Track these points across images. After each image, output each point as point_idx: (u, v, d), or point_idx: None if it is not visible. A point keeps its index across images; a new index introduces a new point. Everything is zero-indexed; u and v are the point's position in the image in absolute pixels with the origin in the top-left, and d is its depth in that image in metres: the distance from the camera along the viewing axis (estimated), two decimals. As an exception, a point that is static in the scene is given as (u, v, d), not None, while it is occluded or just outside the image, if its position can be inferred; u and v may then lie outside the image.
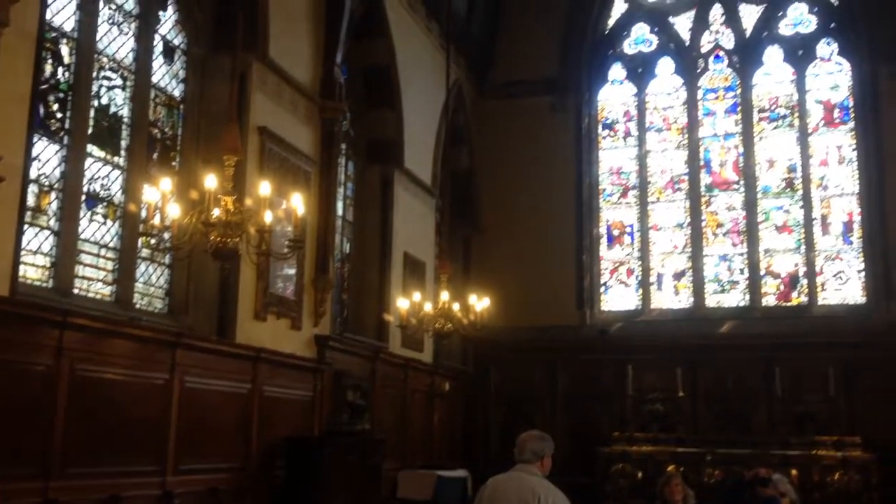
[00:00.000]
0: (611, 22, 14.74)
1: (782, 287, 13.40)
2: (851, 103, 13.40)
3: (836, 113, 13.54)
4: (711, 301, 13.68)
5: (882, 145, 12.74)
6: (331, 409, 9.38)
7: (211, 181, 5.46)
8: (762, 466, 9.28)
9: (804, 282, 13.25)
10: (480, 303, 9.56)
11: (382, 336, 10.91)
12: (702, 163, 14.04)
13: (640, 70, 14.56)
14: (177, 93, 8.06)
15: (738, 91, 14.02)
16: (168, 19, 7.97)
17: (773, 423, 12.09)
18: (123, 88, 7.38)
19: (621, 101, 14.65)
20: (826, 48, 13.67)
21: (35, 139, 6.16)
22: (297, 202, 6.02)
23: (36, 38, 5.97)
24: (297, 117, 9.16)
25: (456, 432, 13.18)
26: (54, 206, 6.54)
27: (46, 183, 6.48)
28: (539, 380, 13.46)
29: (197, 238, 5.61)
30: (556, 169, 14.15)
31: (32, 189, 6.32)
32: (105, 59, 7.18)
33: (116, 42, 7.30)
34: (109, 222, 7.13)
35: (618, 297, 14.15)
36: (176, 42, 8.08)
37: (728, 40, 14.17)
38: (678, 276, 13.91)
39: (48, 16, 6.34)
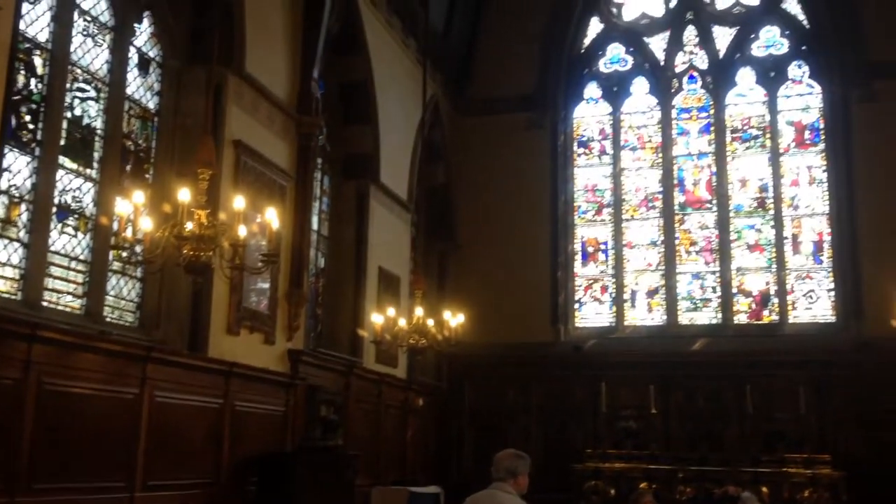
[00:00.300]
0: (587, 41, 14.89)
1: (754, 305, 13.54)
2: (822, 125, 13.62)
3: (807, 134, 13.75)
4: (684, 319, 13.79)
5: (851, 166, 12.95)
6: (304, 425, 9.31)
7: (184, 194, 5.44)
8: (732, 484, 9.34)
9: (775, 300, 13.39)
10: (455, 319, 9.58)
11: (356, 351, 10.87)
12: (675, 181, 14.18)
13: (616, 89, 14.70)
14: (151, 105, 8.02)
15: (712, 111, 14.19)
16: (143, 31, 7.93)
17: (745, 441, 12.16)
18: (97, 100, 7.33)
19: (597, 119, 14.79)
20: (797, 70, 13.90)
21: (6, 150, 6.09)
22: (272, 216, 6.00)
23: (9, 48, 5.92)
24: (273, 131, 9.14)
25: (429, 448, 13.13)
26: (24, 217, 6.47)
27: (17, 194, 6.41)
28: (513, 396, 13.45)
29: (169, 251, 5.58)
30: (532, 186, 14.23)
31: (3, 200, 6.26)
32: (79, 71, 7.13)
33: (91, 54, 7.26)
34: (80, 234, 7.06)
35: (592, 314, 14.22)
36: (151, 54, 8.04)
37: (702, 61, 14.36)
38: (651, 293, 14.01)
39: (22, 26, 6.30)
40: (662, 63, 14.50)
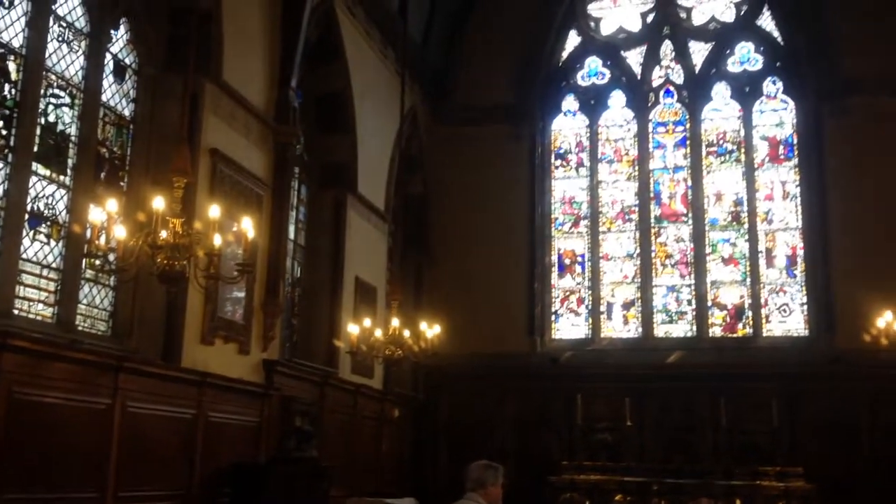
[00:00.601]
0: (565, 54, 14.97)
1: (728, 318, 13.64)
2: (795, 140, 13.79)
3: (781, 149, 13.91)
4: (660, 331, 13.86)
5: (824, 181, 13.11)
6: (278, 436, 9.24)
7: (159, 203, 5.40)
8: (705, 497, 9.38)
9: (749, 313, 13.50)
10: (431, 330, 9.58)
11: (332, 362, 10.82)
12: (652, 194, 14.28)
13: (593, 102, 14.79)
14: (127, 112, 7.95)
15: (688, 125, 14.32)
16: (120, 38, 7.88)
17: (719, 453, 12.22)
18: (72, 107, 7.27)
19: (574, 131, 14.86)
20: (772, 86, 14.06)
21: (-22, 156, 6.02)
22: (248, 226, 5.98)
23: (-18, 53, 5.86)
24: (250, 140, 9.10)
25: (405, 459, 13.08)
26: (-4, 224, 6.38)
27: (-12, 201, 6.33)
28: (489, 407, 13.44)
29: (143, 260, 5.54)
30: (510, 197, 14.27)
31: (-27, 207, 6.17)
32: (53, 77, 7.06)
33: (66, 60, 7.20)
34: (53, 242, 6.98)
35: (568, 326, 14.25)
36: (127, 61, 7.99)
37: (678, 76, 14.49)
38: (627, 305, 14.08)
39: (-4, 31, 6.24)
40: (639, 77, 14.62)
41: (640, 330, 13.90)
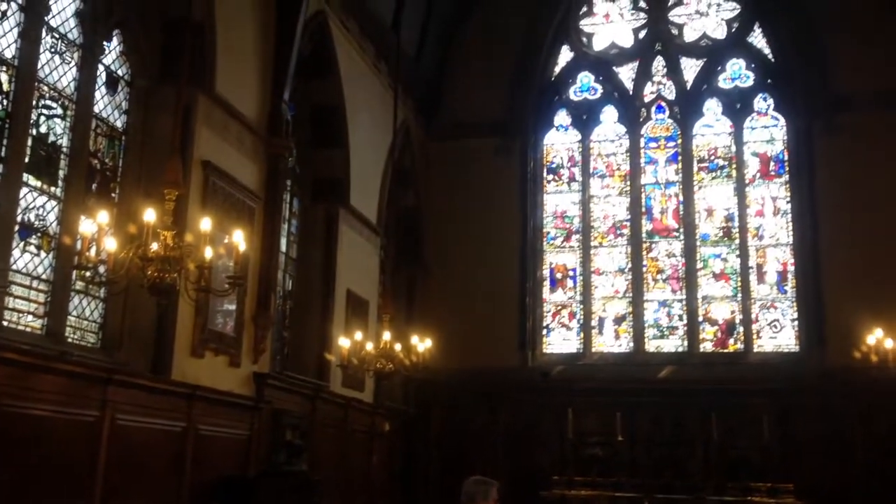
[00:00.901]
0: (557, 69, 15.05)
1: (719, 334, 13.66)
2: (786, 157, 13.86)
3: (772, 165, 13.98)
4: (651, 346, 13.87)
5: (814, 198, 13.17)
6: (268, 449, 9.19)
7: (150, 215, 5.39)
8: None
9: (740, 329, 13.53)
10: (423, 343, 9.56)
11: (323, 375, 10.78)
12: (643, 209, 14.32)
13: (585, 117, 14.86)
14: (119, 124, 7.94)
15: (679, 141, 14.39)
16: (113, 50, 7.88)
17: (710, 469, 12.21)
18: (64, 118, 7.25)
19: (566, 146, 14.91)
20: (763, 103, 14.15)
21: (-32, 166, 6.00)
22: (239, 238, 5.96)
23: (-26, 64, 5.85)
24: (243, 152, 9.10)
25: (396, 473, 13.02)
26: (-14, 235, 6.35)
27: (-22, 211, 6.30)
28: (480, 421, 13.41)
29: (133, 272, 5.51)
30: (502, 211, 14.28)
31: (-37, 217, 6.13)
32: (46, 88, 7.05)
33: (58, 71, 7.19)
34: (43, 253, 6.95)
35: (559, 340, 14.26)
36: (120, 73, 7.98)
37: (670, 92, 14.57)
38: (619, 320, 14.09)
39: (-12, 42, 6.23)
40: (631, 92, 14.70)
41: (631, 345, 13.91)
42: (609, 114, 14.80)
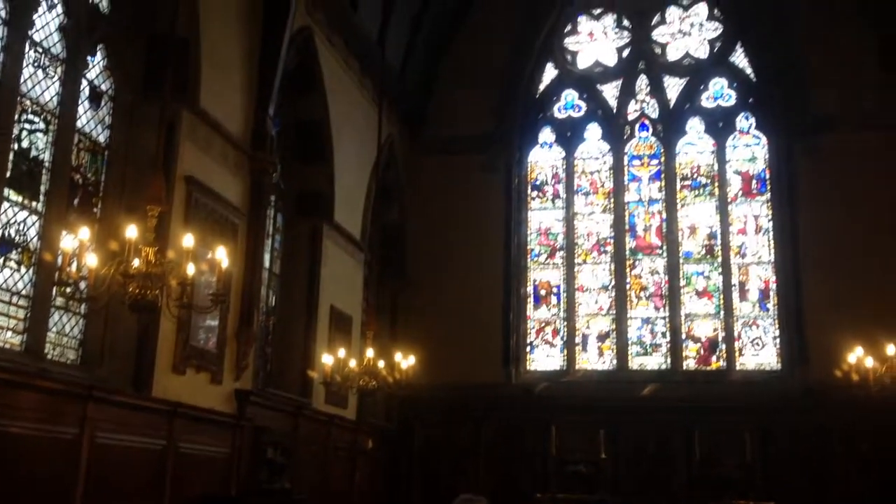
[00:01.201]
0: (542, 86, 15.12)
1: (702, 351, 13.71)
2: (768, 175, 13.98)
3: (754, 184, 14.09)
4: (634, 363, 13.89)
5: (796, 216, 13.28)
6: (249, 467, 9.11)
7: (132, 231, 5.35)
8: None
9: (723, 346, 13.59)
10: (406, 360, 9.52)
11: (306, 391, 10.71)
12: (627, 227, 14.38)
13: (569, 134, 14.93)
14: (102, 139, 7.89)
15: (662, 159, 14.48)
16: (96, 64, 7.84)
17: (692, 487, 12.23)
18: (46, 132, 7.20)
19: (550, 163, 14.97)
20: (745, 122, 14.29)
21: (-52, 181, 5.93)
22: (222, 255, 5.93)
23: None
24: (227, 168, 9.06)
25: (379, 491, 12.93)
26: (-35, 250, 6.28)
27: (-42, 226, 6.23)
28: (463, 438, 13.37)
29: (115, 289, 5.47)
30: (486, 227, 14.30)
31: (-58, 232, 6.07)
32: (28, 103, 7.00)
33: (41, 86, 7.14)
34: (23, 269, 6.87)
35: (543, 357, 14.25)
36: (104, 87, 7.94)
37: (653, 110, 14.68)
38: (602, 337, 14.11)
39: (-30, 56, 6.18)
40: (615, 110, 14.79)
41: (614, 362, 13.93)
42: (593, 131, 14.88)
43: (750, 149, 14.25)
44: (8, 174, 6.73)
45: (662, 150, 14.52)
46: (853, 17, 13.38)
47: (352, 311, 12.14)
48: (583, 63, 15.09)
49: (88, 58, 7.70)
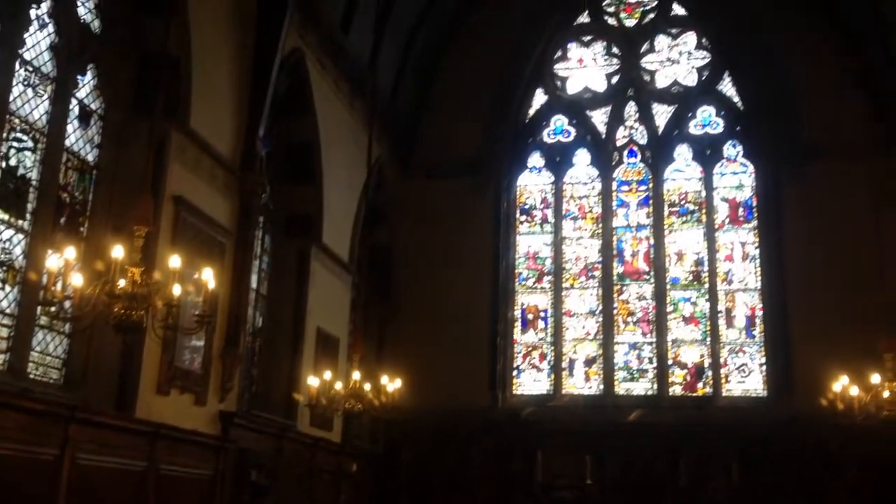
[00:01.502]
0: (531, 111, 15.21)
1: (688, 377, 13.72)
2: (755, 203, 14.08)
3: (741, 211, 14.18)
4: (621, 389, 13.88)
5: (782, 244, 13.37)
6: (233, 490, 9.03)
7: (118, 251, 5.33)
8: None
9: (709, 373, 13.60)
10: (392, 384, 9.49)
11: (291, 413, 10.65)
12: (615, 252, 14.42)
13: (558, 159, 15.00)
14: (91, 157, 7.88)
15: (651, 185, 14.57)
16: (87, 84, 7.84)
17: (679, 514, 12.19)
18: (34, 151, 7.18)
19: (539, 187, 15.03)
20: (732, 149, 14.41)
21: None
22: (209, 276, 5.92)
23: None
24: (215, 188, 9.06)
25: (362, 515, 12.83)
26: (-51, 268, 6.24)
27: (-57, 244, 6.20)
28: (449, 462, 13.28)
29: (100, 309, 5.44)
30: (474, 251, 14.32)
31: (-74, 250, 6.03)
32: (17, 121, 6.99)
33: (30, 104, 7.13)
34: (8, 287, 6.83)
35: (530, 382, 14.23)
36: (93, 107, 7.94)
37: (642, 136, 14.78)
38: (589, 362, 14.10)
39: (-40, 74, 6.17)
40: (604, 136, 14.89)
41: (601, 387, 13.92)
42: (582, 157, 14.97)
43: (737, 176, 14.36)
44: (-6, 192, 6.71)
45: (650, 177, 14.61)
46: (839, 48, 13.56)
47: (339, 333, 12.10)
48: (572, 89, 15.20)
49: (79, 77, 7.71)
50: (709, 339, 13.72)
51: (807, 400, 11.73)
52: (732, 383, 13.52)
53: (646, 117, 14.78)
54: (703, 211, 14.28)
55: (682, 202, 14.45)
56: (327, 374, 9.19)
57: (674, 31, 15.02)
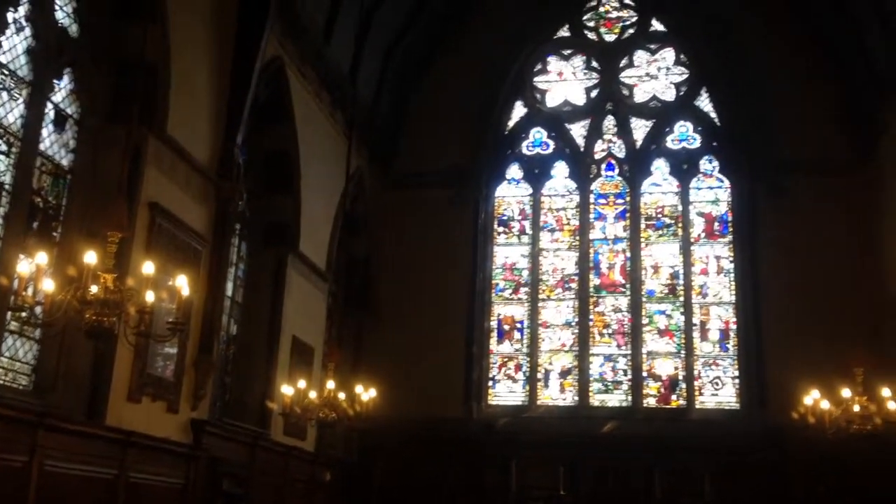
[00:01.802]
0: (511, 123, 15.29)
1: (663, 390, 13.80)
2: (730, 218, 14.22)
3: (716, 226, 14.32)
4: (595, 400, 13.93)
5: (756, 259, 13.51)
6: (204, 499, 8.96)
7: (90, 257, 5.30)
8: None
9: (683, 385, 13.69)
10: (367, 393, 9.46)
11: (265, 422, 10.59)
12: (591, 264, 14.50)
13: (537, 171, 15.08)
14: (65, 162, 7.82)
15: (628, 198, 14.67)
16: (63, 88, 7.79)
17: (651, 526, 12.23)
18: (8, 155, 7.12)
19: (518, 199, 15.10)
20: (708, 164, 14.57)
21: None
22: (182, 283, 5.89)
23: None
24: (192, 195, 9.02)
25: (335, 526, 12.77)
26: (-82, 271, 6.17)
27: (-88, 247, 6.12)
28: (423, 472, 13.24)
29: (71, 315, 5.40)
30: (452, 261, 14.34)
31: None
32: (-9, 125, 6.94)
33: (5, 107, 7.07)
34: (-23, 292, 6.75)
35: (505, 392, 14.25)
36: (70, 111, 7.89)
37: (620, 150, 14.90)
38: (564, 373, 14.15)
39: (-67, 76, 6.12)
40: (582, 149, 14.98)
41: (576, 398, 13.96)
42: (560, 169, 15.05)
43: (713, 191, 14.50)
44: (-34, 196, 6.64)
45: (628, 190, 14.71)
46: (816, 65, 13.76)
47: (314, 342, 12.07)
48: (552, 102, 15.30)
49: (55, 81, 7.66)
50: (683, 351, 13.81)
51: (779, 413, 11.83)
52: (706, 396, 13.61)
53: (624, 131, 14.90)
54: (679, 225, 14.40)
55: (659, 216, 14.56)
56: (301, 383, 9.15)
57: (653, 46, 15.18)
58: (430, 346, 13.81)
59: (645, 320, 14.08)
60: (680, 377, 13.75)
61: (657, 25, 15.20)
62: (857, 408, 9.50)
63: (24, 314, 5.86)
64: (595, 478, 12.77)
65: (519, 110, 15.35)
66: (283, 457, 10.97)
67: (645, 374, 13.87)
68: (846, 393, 9.58)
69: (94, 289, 5.40)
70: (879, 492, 11.49)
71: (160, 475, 8.20)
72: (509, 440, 13.21)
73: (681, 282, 14.11)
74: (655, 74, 15.08)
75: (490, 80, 15.07)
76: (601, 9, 15.47)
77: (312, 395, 9.17)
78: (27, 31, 7.34)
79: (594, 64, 15.30)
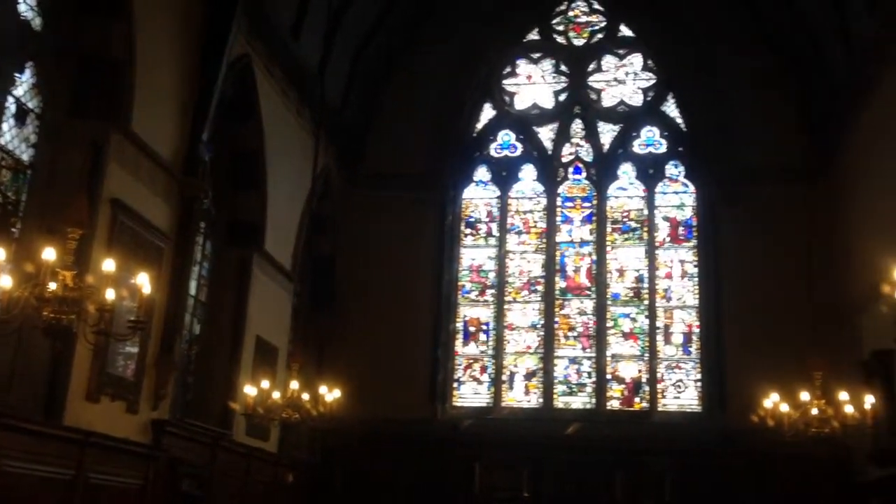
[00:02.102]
0: (479, 125, 15.33)
1: (626, 392, 13.90)
2: (694, 222, 14.37)
3: (681, 230, 14.47)
4: (560, 402, 14.00)
5: (719, 263, 13.69)
6: (164, 500, 8.85)
7: (49, 254, 5.21)
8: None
9: (646, 388, 13.80)
10: (331, 394, 9.41)
11: (227, 422, 10.49)
12: (557, 267, 14.58)
13: (505, 173, 15.13)
14: (25, 157, 7.69)
15: (594, 202, 14.77)
16: (24, 82, 7.66)
17: (613, 528, 12.31)
18: (-34, 148, 6.99)
19: (485, 201, 15.13)
20: (674, 169, 14.73)
21: None
22: (144, 281, 5.81)
23: None
24: (155, 192, 8.92)
25: (297, 527, 12.68)
26: None
27: None
28: (387, 473, 13.21)
29: (28, 312, 5.30)
30: (419, 263, 14.34)
31: None
32: (-52, 117, 6.80)
33: (-37, 100, 6.95)
34: (-67, 288, 6.60)
35: (470, 394, 14.27)
36: (31, 105, 7.76)
37: (587, 153, 15.00)
38: (529, 375, 14.20)
39: None
40: (550, 152, 15.06)
41: (540, 400, 14.02)
42: (528, 172, 15.12)
43: (679, 196, 14.65)
44: (-78, 189, 6.50)
45: (595, 194, 14.81)
46: (778, 74, 13.97)
47: (278, 342, 11.98)
48: (520, 104, 15.36)
49: (16, 74, 7.52)
50: (647, 354, 13.93)
51: (739, 416, 11.92)
52: (668, 398, 13.74)
53: (591, 135, 15.01)
54: (645, 229, 14.53)
55: (625, 220, 14.68)
56: (265, 383, 9.08)
57: (621, 51, 15.30)
58: (396, 347, 13.79)
59: (610, 323, 14.18)
60: (643, 380, 13.86)
61: (626, 31, 15.33)
62: (815, 411, 9.65)
63: (-21, 311, 5.74)
64: (558, 480, 12.82)
65: (488, 112, 15.39)
66: (244, 458, 10.87)
67: (609, 376, 13.96)
68: (805, 396, 9.74)
69: (52, 286, 5.30)
70: (835, 490, 11.72)
71: (119, 476, 8.09)
72: (474, 441, 13.22)
73: (645, 285, 14.23)
74: (623, 79, 15.21)
75: (459, 81, 15.09)
76: (570, 13, 15.58)
77: (276, 395, 9.10)
78: (-12, 24, 7.21)
79: (563, 68, 15.39)
